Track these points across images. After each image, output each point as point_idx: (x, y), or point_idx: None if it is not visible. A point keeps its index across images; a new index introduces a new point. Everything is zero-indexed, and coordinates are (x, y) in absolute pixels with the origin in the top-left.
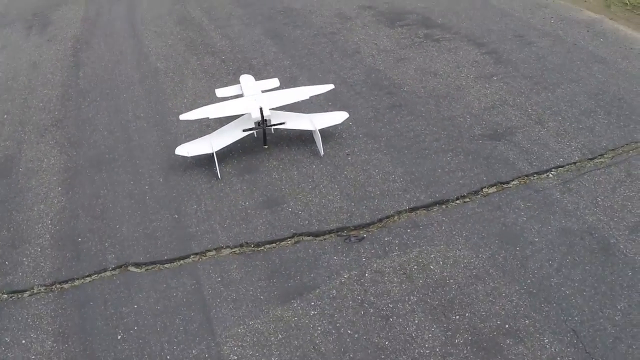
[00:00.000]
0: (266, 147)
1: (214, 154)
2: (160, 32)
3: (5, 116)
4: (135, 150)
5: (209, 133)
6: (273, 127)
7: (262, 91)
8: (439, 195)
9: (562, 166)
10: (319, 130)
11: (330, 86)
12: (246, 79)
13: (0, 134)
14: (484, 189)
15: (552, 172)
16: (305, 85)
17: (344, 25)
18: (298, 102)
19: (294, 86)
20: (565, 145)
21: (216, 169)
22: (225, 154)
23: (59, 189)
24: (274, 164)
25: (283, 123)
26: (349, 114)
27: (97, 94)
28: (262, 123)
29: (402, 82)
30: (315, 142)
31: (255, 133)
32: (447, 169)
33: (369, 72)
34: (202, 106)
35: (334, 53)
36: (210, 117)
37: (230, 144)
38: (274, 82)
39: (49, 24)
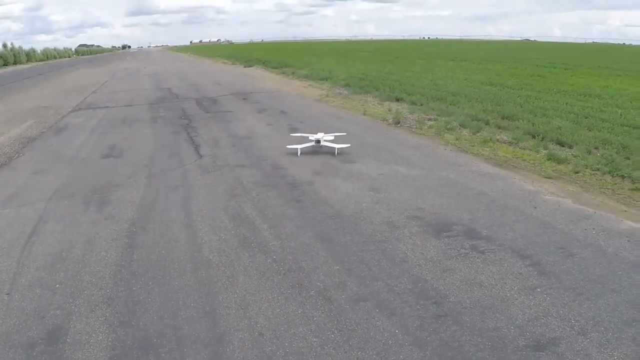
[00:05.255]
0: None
1: (299, 150)
2: (214, 226)
3: (57, 286)
4: (184, 339)
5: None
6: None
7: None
8: None
9: None
10: (337, 148)
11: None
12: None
13: (50, 303)
14: None
15: None
16: None
17: (393, 234)
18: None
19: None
20: (608, 355)
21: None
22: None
23: None
24: None
25: (324, 142)
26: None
27: (149, 279)
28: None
29: (448, 293)
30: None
31: (314, 144)
32: None
33: (416, 282)
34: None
35: (382, 261)
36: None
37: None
38: (330, 136)
39: (108, 203)
